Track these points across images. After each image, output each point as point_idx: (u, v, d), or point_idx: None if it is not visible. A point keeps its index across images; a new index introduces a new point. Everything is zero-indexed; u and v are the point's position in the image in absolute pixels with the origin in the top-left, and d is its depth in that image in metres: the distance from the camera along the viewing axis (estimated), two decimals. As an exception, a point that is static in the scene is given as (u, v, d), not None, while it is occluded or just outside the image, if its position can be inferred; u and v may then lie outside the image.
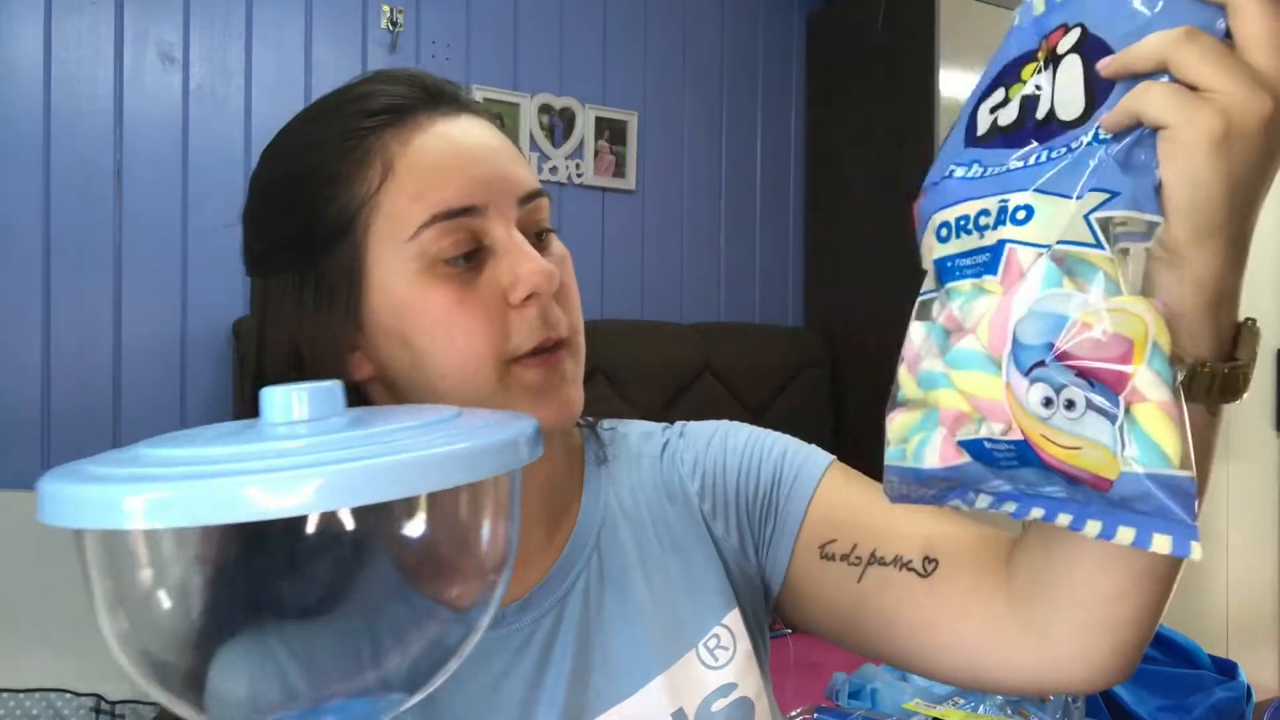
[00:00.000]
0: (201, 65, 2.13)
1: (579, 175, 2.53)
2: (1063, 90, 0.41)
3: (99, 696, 1.85)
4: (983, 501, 0.45)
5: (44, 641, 1.92)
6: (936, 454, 0.43)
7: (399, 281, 0.55)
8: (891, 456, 0.46)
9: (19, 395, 1.97)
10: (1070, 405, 0.38)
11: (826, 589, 0.63)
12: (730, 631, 0.64)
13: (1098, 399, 0.37)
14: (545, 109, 2.50)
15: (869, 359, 2.69)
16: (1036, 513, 0.43)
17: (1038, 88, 0.42)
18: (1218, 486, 3.10)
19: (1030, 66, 0.43)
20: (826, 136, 2.86)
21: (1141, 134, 0.38)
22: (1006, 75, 0.44)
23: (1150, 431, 0.37)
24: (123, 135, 2.06)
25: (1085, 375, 0.37)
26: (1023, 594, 0.54)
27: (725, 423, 0.72)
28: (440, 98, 0.58)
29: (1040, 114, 0.42)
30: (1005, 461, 0.40)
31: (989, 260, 0.40)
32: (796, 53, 2.94)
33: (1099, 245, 0.38)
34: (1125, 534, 0.39)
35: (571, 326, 0.58)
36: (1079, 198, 0.38)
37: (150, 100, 2.09)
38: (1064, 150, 0.40)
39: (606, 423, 0.72)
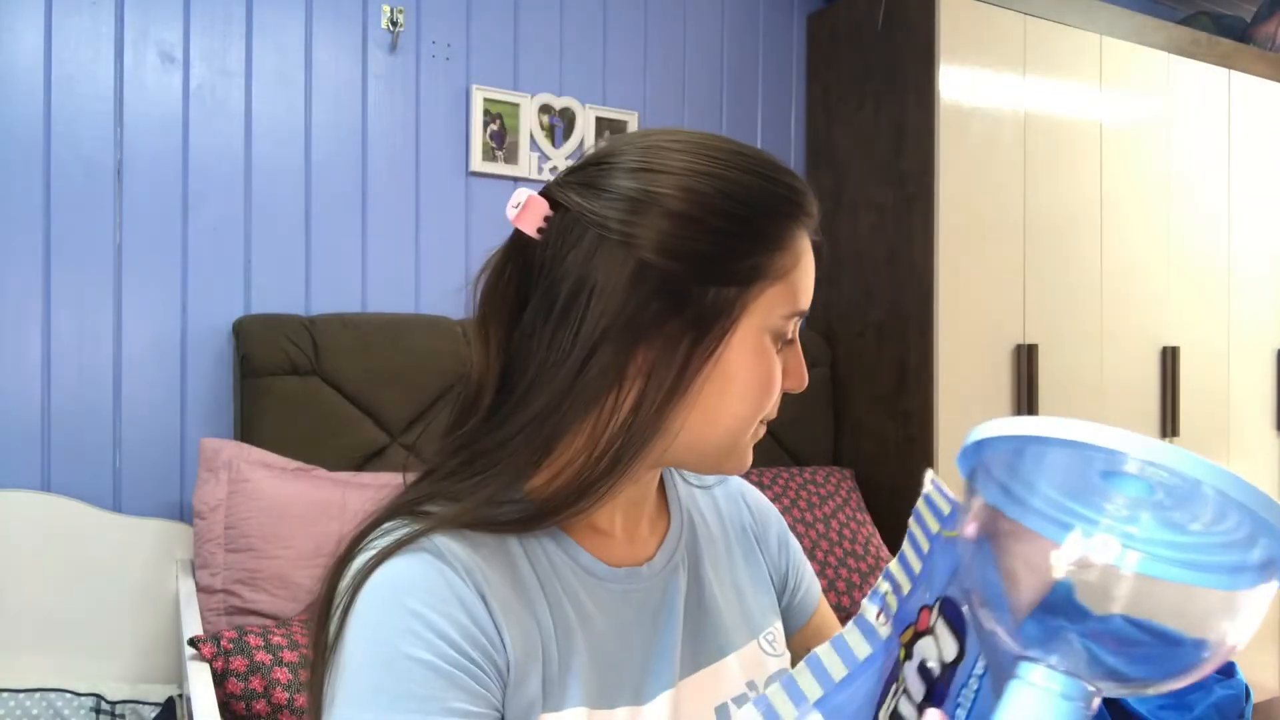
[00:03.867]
0: (201, 65, 2.13)
1: (579, 175, 2.53)
2: (943, 643, 0.52)
3: (99, 696, 1.85)
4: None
5: (44, 641, 1.92)
6: None
7: (756, 339, 0.66)
8: None
9: (19, 395, 1.97)
10: None
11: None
12: (778, 634, 0.80)
13: None
14: (545, 109, 2.50)
15: (869, 359, 2.69)
16: None
17: (925, 659, 0.53)
18: (1218, 486, 3.10)
19: (901, 653, 0.54)
20: (826, 136, 2.86)
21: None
22: (888, 686, 0.54)
23: None
24: (123, 135, 2.06)
25: None
26: None
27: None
28: (815, 212, 0.71)
29: (937, 672, 0.52)
30: None
31: None
32: (796, 53, 2.94)
33: None
34: None
35: None
36: None
37: (150, 100, 2.09)
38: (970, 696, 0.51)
39: None
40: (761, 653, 0.77)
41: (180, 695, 1.88)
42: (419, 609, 0.58)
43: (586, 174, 0.66)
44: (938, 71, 2.50)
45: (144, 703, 1.88)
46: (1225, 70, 3.12)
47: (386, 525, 0.64)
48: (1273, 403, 3.25)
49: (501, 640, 0.60)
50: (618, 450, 0.64)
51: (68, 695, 1.82)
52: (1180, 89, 3.01)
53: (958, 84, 2.54)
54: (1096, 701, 0.43)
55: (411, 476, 0.69)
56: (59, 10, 2.00)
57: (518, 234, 0.68)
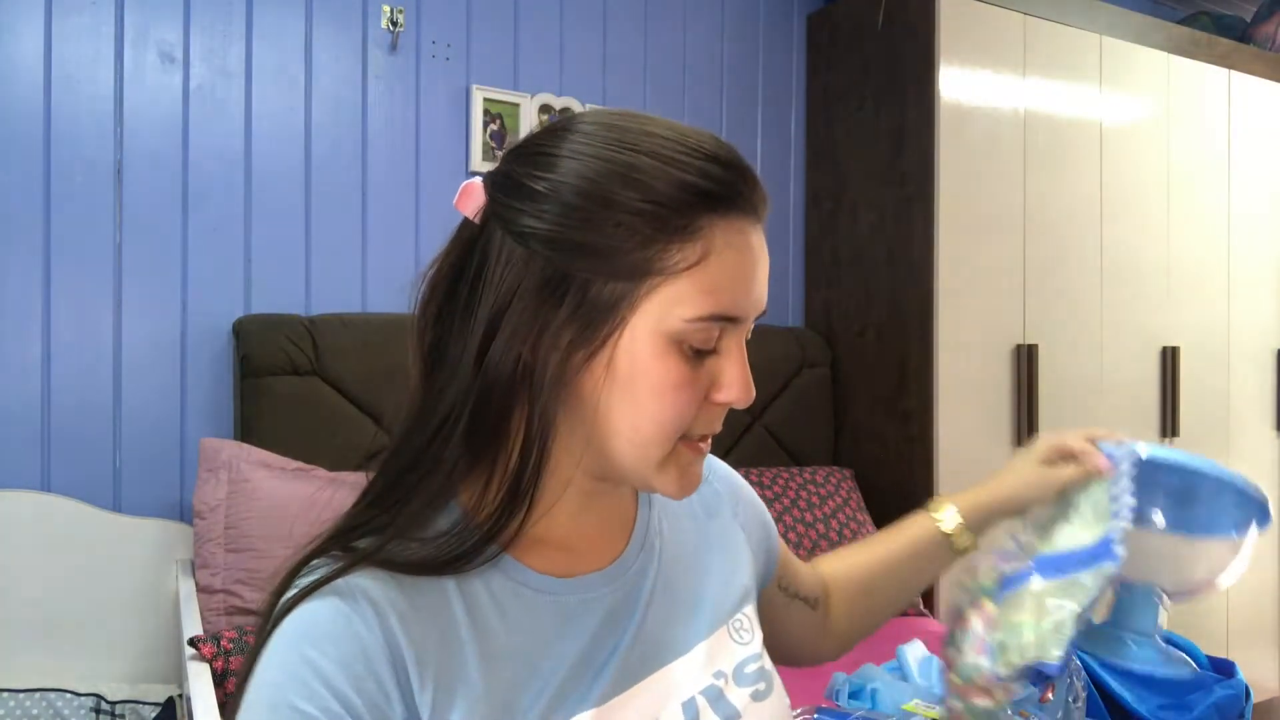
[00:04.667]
0: (201, 65, 2.13)
1: (579, 175, 2.53)
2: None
3: (99, 696, 1.85)
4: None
5: (44, 641, 1.92)
6: None
7: (652, 340, 0.60)
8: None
9: (19, 395, 1.97)
10: None
11: (768, 609, 0.87)
12: (749, 619, 0.78)
13: None
14: (545, 109, 2.50)
15: (869, 359, 2.69)
16: None
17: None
18: (1218, 486, 3.10)
19: None
20: (826, 136, 2.86)
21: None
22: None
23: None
24: (123, 135, 2.06)
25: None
26: (848, 623, 0.97)
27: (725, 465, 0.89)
28: (757, 199, 0.62)
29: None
30: None
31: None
32: (796, 53, 2.94)
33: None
34: None
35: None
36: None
37: (150, 100, 2.08)
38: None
39: None
40: (730, 641, 0.74)
41: (180, 695, 1.88)
42: (315, 658, 0.56)
43: (508, 159, 0.64)
44: (938, 71, 2.50)
45: (144, 703, 1.88)
46: (1225, 70, 3.12)
47: (315, 562, 0.61)
48: (1273, 403, 3.25)
49: (408, 686, 0.58)
50: (525, 459, 0.62)
51: (68, 695, 1.82)
52: (1180, 89, 3.01)
53: (958, 84, 2.54)
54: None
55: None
56: (59, 10, 2.00)
57: (461, 227, 0.66)
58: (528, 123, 2.47)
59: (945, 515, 0.93)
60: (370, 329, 2.13)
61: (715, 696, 0.70)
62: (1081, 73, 2.78)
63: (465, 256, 0.65)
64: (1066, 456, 0.90)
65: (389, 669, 0.57)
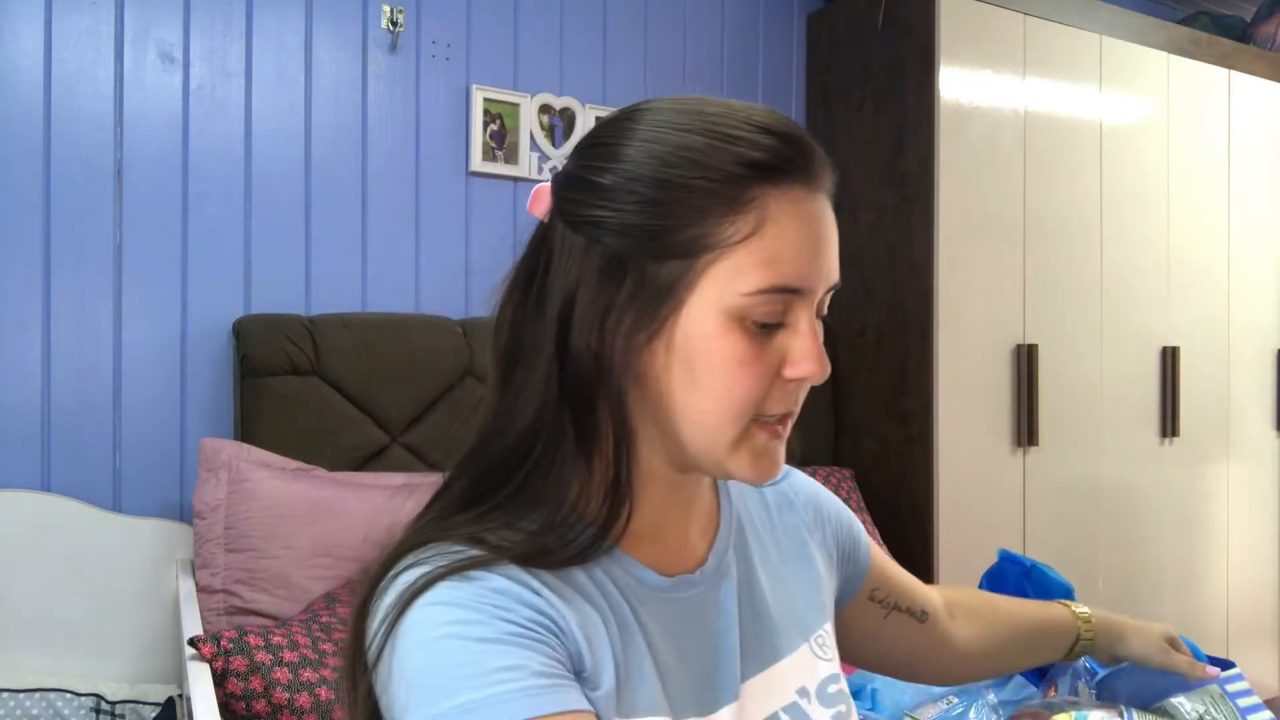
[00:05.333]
0: (201, 65, 2.13)
1: (579, 175, 2.53)
2: None
3: (99, 696, 1.85)
4: None
5: (44, 641, 1.92)
6: None
7: (712, 318, 0.59)
8: None
9: (19, 395, 1.97)
10: None
11: (862, 620, 0.86)
12: (829, 635, 0.77)
13: None
14: (545, 109, 2.50)
15: (869, 359, 2.69)
16: None
17: None
18: (1218, 486, 3.10)
19: None
20: (826, 136, 2.86)
21: None
22: None
23: None
24: (123, 135, 2.06)
25: None
26: (977, 644, 0.94)
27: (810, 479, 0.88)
28: (816, 168, 0.61)
29: None
30: None
31: None
32: (796, 53, 2.94)
33: None
34: None
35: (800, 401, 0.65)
36: None
37: (150, 100, 2.09)
38: None
39: None
40: (813, 656, 0.73)
41: (180, 695, 1.88)
42: (467, 602, 0.55)
43: (571, 156, 0.65)
44: (938, 71, 2.50)
45: (144, 703, 1.88)
46: (1225, 70, 3.12)
47: (433, 546, 0.60)
48: (1273, 403, 3.25)
49: (569, 629, 0.57)
50: (619, 449, 0.62)
51: (68, 695, 1.82)
52: (1180, 89, 3.01)
53: (958, 84, 2.54)
54: None
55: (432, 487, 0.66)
56: (59, 10, 2.00)
57: (535, 230, 0.67)
58: (528, 123, 2.47)
59: (1081, 609, 0.99)
60: (370, 329, 2.13)
61: (798, 714, 0.69)
62: (1081, 73, 2.78)
63: (536, 257, 0.65)
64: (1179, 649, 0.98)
65: (552, 609, 0.57)
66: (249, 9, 2.17)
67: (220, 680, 1.55)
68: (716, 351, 0.59)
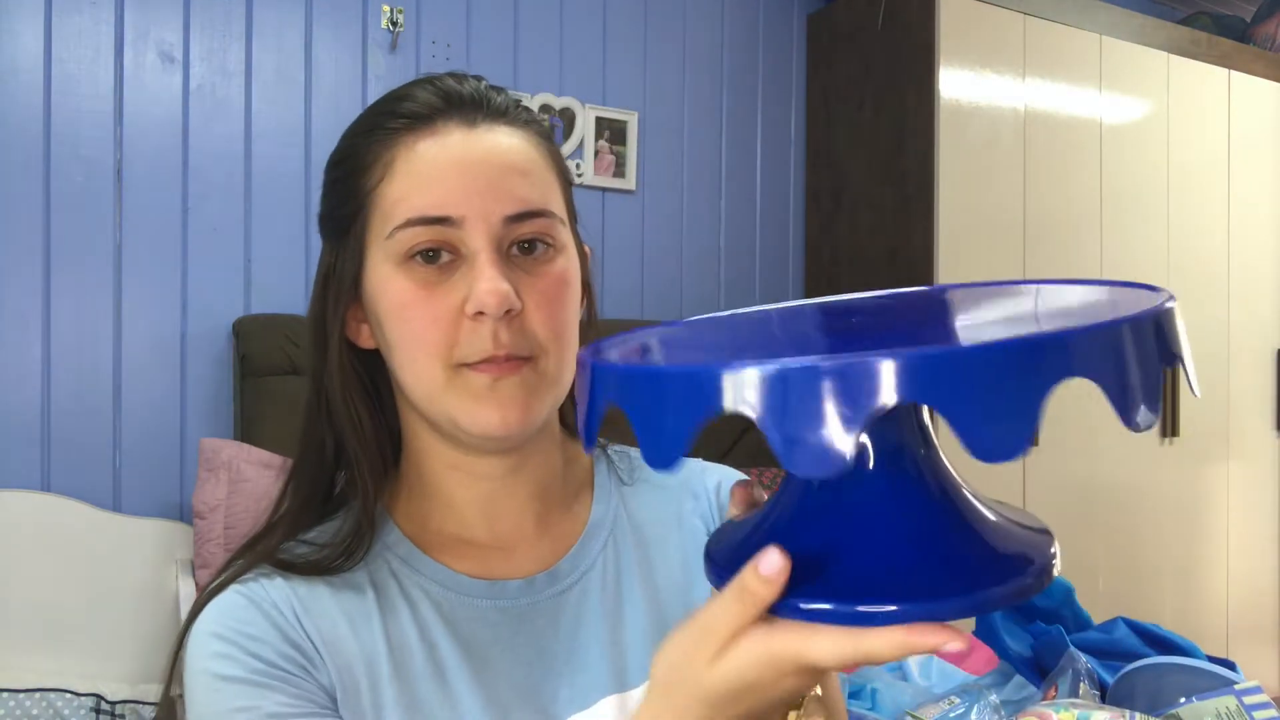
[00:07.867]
0: (201, 65, 2.13)
1: (579, 175, 2.53)
2: None
3: (99, 696, 1.85)
4: None
5: (44, 641, 1.92)
6: None
7: (379, 270, 0.61)
8: None
9: (19, 395, 1.97)
10: None
11: None
12: None
13: None
14: (545, 109, 2.50)
15: (869, 359, 2.69)
16: None
17: None
18: (1218, 486, 3.11)
19: None
20: (826, 136, 2.86)
21: None
22: None
23: None
24: (123, 135, 2.06)
25: None
26: None
27: (723, 470, 0.76)
28: (470, 106, 0.61)
29: None
30: None
31: None
32: (796, 53, 2.94)
33: None
34: None
35: (541, 346, 0.60)
36: None
37: (150, 100, 2.08)
38: None
39: (620, 448, 0.75)
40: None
41: (180, 695, 1.87)
42: (224, 633, 0.58)
43: None
44: (938, 71, 2.50)
45: (144, 703, 1.88)
46: (1225, 70, 3.12)
47: (236, 563, 0.64)
48: (1273, 403, 3.25)
49: (320, 656, 0.59)
50: (362, 418, 0.66)
51: (68, 695, 1.82)
52: (1180, 89, 3.01)
53: (958, 84, 2.54)
54: None
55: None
56: (59, 10, 2.00)
57: None
58: (528, 123, 2.47)
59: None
60: (370, 329, 2.14)
61: None
62: (1081, 73, 2.78)
63: None
64: None
65: (301, 633, 0.59)
66: (249, 9, 2.17)
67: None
68: (387, 296, 0.60)
